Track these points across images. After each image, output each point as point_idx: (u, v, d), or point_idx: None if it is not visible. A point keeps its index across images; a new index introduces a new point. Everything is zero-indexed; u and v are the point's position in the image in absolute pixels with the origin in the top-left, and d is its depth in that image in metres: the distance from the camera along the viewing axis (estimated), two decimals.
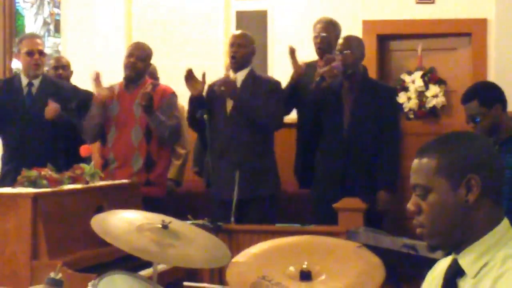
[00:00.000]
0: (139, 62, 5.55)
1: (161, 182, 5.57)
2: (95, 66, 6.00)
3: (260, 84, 5.52)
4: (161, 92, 5.59)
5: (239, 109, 5.38)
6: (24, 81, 5.68)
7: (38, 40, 5.78)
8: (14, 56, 5.95)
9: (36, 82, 5.68)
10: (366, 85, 5.43)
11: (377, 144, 5.35)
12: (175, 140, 5.74)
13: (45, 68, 6.03)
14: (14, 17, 8.02)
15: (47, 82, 5.75)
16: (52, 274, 2.44)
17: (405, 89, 6.70)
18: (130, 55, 5.57)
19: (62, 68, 6.35)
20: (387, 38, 6.88)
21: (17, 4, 8.10)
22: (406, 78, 6.71)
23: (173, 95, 5.66)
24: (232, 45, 5.54)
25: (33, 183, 4.34)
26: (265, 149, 5.55)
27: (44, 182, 4.35)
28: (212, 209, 5.45)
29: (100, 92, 5.52)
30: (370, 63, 6.69)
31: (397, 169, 5.43)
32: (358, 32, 6.67)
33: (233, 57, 5.52)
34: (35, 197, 4.11)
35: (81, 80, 6.52)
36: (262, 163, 5.47)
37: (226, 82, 5.34)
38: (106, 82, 5.66)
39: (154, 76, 6.32)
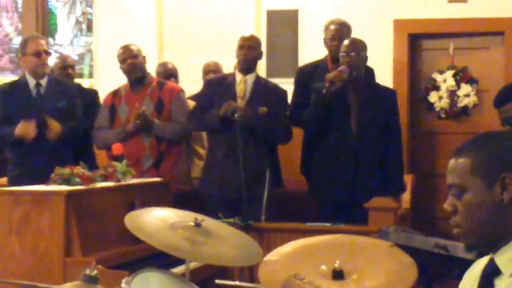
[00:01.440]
0: (136, 60, 5.63)
1: (171, 177, 5.57)
2: None
3: (270, 91, 5.52)
4: (169, 90, 5.65)
5: (253, 133, 5.38)
6: (31, 82, 5.67)
7: (42, 41, 5.80)
8: (19, 58, 5.95)
9: (43, 82, 5.68)
10: (368, 87, 5.43)
11: (383, 146, 5.36)
12: (186, 138, 5.80)
13: None
14: (46, 16, 8.09)
15: (53, 81, 5.76)
16: (87, 271, 2.45)
17: (437, 88, 6.68)
18: (123, 60, 5.65)
19: (71, 67, 6.38)
20: (419, 37, 6.86)
21: (49, 3, 8.17)
22: (438, 77, 6.69)
23: (181, 92, 5.73)
24: (242, 47, 5.51)
25: (66, 181, 4.38)
26: (270, 149, 5.60)
27: (77, 179, 4.38)
28: (214, 207, 5.38)
29: (131, 128, 5.55)
30: (401, 62, 6.68)
31: (402, 171, 5.47)
32: (389, 31, 6.66)
33: (244, 60, 5.50)
34: (69, 195, 4.15)
35: (113, 79, 6.57)
36: (268, 162, 5.48)
37: (246, 111, 5.32)
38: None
39: (175, 75, 6.36)
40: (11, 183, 5.45)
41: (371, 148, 5.33)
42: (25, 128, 5.49)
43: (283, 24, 6.95)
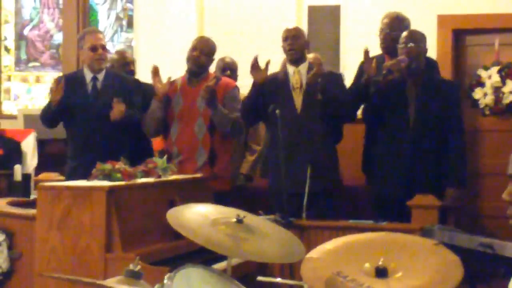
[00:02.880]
0: (203, 56, 5.58)
1: (225, 175, 5.57)
2: (167, 61, 6.04)
3: (325, 77, 5.44)
4: (224, 86, 5.60)
5: (327, 104, 5.33)
6: (88, 75, 5.68)
7: (100, 35, 5.81)
8: (78, 51, 5.98)
9: (100, 76, 5.69)
10: (429, 80, 5.35)
11: (442, 140, 5.27)
12: (238, 133, 5.72)
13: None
14: (87, 13, 8.13)
15: (111, 76, 5.75)
16: (131, 266, 2.44)
17: (481, 84, 6.60)
18: (194, 48, 5.59)
19: (132, 63, 6.38)
20: (463, 32, 6.78)
21: (90, 0, 8.22)
22: (482, 73, 6.60)
23: (235, 89, 5.68)
24: (286, 38, 5.46)
25: (107, 177, 4.38)
26: (331, 144, 5.52)
27: (118, 175, 4.39)
28: (274, 203, 5.36)
29: (158, 86, 5.55)
30: (445, 58, 6.60)
31: (465, 165, 5.35)
32: (433, 27, 6.59)
33: (291, 49, 5.44)
34: (110, 190, 4.15)
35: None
36: (330, 158, 5.43)
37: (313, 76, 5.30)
38: (176, 76, 5.69)
39: (232, 69, 6.31)
40: (68, 176, 5.48)
41: (428, 143, 5.24)
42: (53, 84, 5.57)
43: (325, 20, 6.90)
